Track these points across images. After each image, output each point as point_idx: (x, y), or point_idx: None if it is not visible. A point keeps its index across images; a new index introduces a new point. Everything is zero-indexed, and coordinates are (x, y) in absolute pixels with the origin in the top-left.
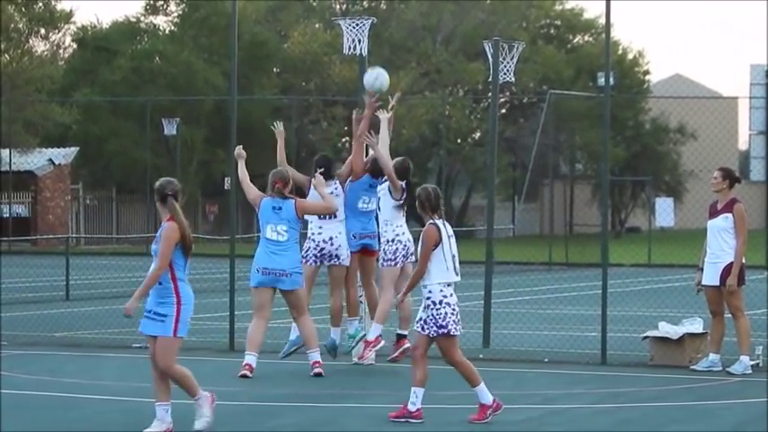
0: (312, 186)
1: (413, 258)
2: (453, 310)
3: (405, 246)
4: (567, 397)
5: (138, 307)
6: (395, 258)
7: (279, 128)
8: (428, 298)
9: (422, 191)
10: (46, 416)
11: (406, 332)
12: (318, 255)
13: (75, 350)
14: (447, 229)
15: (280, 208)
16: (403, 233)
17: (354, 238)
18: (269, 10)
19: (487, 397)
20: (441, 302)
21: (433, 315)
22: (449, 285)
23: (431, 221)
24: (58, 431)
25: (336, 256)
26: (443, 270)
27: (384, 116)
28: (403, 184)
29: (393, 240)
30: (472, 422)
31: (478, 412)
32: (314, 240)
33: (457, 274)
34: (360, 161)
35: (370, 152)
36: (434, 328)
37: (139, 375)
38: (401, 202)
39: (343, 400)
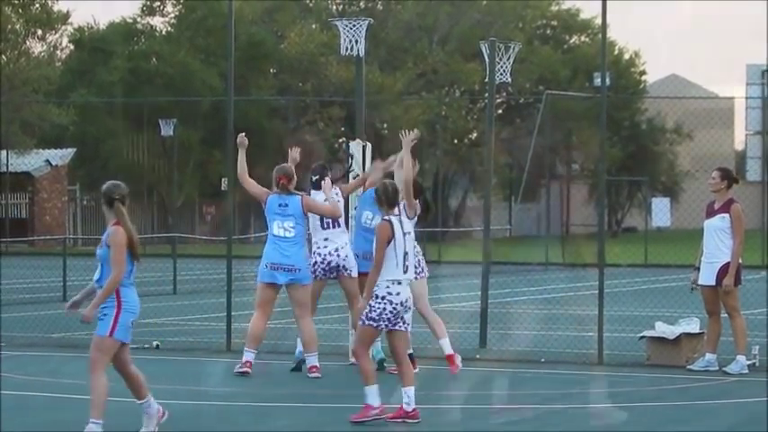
0: (321, 190)
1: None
2: (394, 308)
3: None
4: (564, 397)
5: (95, 315)
6: (423, 269)
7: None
8: (373, 290)
9: (380, 186)
10: (46, 417)
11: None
12: (327, 269)
13: (73, 351)
14: (403, 226)
15: (286, 205)
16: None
17: (358, 256)
18: (265, 11)
19: (376, 399)
20: (383, 298)
21: (370, 305)
22: (398, 283)
23: (385, 217)
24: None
25: (344, 267)
26: (391, 267)
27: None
28: (417, 201)
29: (418, 253)
30: (355, 421)
31: (362, 410)
32: (320, 255)
33: (406, 272)
34: (375, 180)
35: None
36: (364, 318)
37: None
38: (415, 219)
39: (341, 401)
